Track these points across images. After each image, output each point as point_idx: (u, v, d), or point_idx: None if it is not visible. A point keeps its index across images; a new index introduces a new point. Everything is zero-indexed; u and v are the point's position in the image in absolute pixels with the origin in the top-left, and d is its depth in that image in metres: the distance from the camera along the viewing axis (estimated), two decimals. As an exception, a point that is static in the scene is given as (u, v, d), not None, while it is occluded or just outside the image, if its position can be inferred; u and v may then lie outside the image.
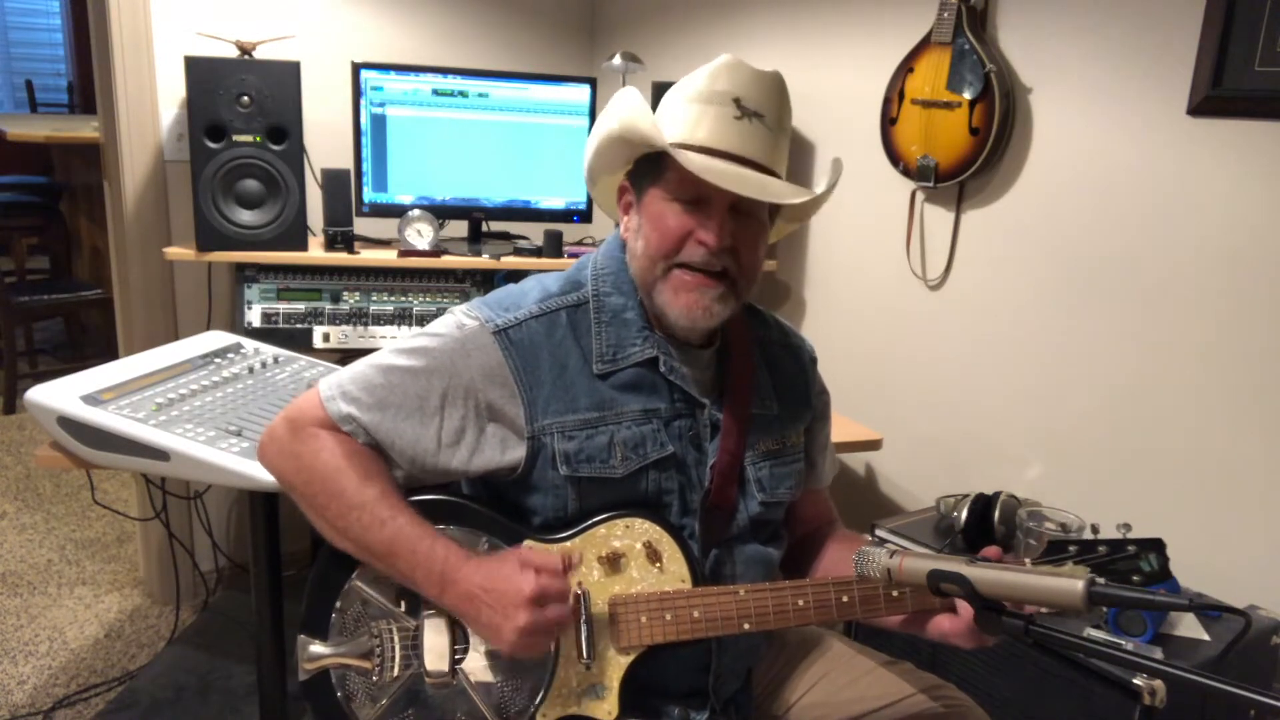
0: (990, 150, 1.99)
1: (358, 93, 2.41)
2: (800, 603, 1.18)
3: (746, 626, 1.17)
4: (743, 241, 1.17)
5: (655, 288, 1.18)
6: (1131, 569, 1.10)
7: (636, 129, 1.16)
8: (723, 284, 1.17)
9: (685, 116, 1.17)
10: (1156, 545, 1.11)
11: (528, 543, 1.19)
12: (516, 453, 1.18)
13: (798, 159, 2.52)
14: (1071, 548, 1.12)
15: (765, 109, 1.17)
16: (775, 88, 1.19)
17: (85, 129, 4.23)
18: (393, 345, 1.21)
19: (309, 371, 1.93)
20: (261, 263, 2.28)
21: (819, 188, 1.24)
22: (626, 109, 1.17)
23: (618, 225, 1.29)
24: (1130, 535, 1.13)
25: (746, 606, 1.17)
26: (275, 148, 2.23)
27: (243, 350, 1.98)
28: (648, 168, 1.20)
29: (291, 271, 2.31)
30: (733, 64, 1.18)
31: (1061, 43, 1.92)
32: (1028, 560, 1.12)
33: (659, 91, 2.28)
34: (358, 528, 1.13)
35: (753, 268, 1.20)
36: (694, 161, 1.11)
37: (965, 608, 1.10)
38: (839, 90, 2.39)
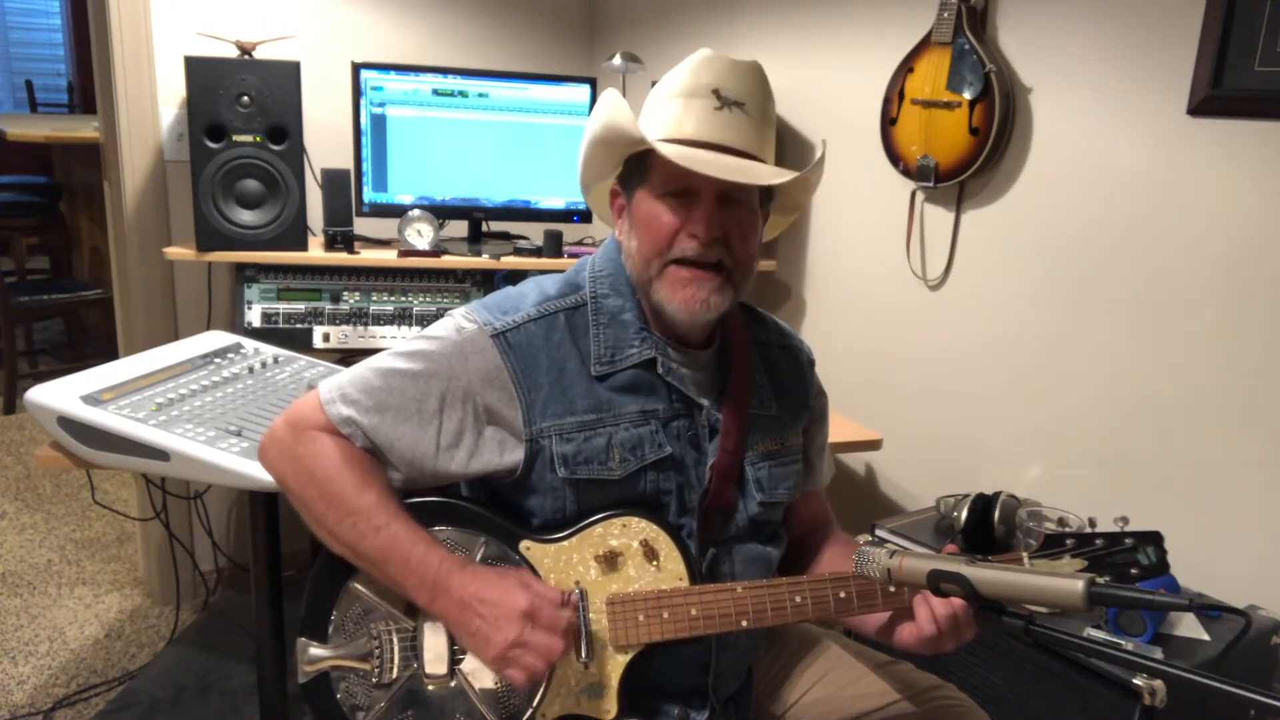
0: (990, 150, 1.99)
1: (358, 93, 2.41)
2: (798, 599, 1.18)
3: (744, 624, 1.17)
4: (734, 231, 1.16)
5: (652, 285, 1.18)
6: (1130, 562, 1.10)
7: (616, 126, 1.17)
8: (719, 275, 1.17)
9: (669, 112, 1.18)
10: (1154, 538, 1.11)
11: (525, 543, 1.19)
12: (515, 455, 1.18)
13: (798, 157, 2.52)
14: (1068, 541, 1.12)
15: (745, 97, 1.17)
16: (754, 76, 1.19)
17: (85, 129, 4.23)
18: (392, 349, 1.21)
19: (309, 371, 1.93)
20: (261, 263, 2.28)
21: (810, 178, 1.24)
22: (605, 110, 1.18)
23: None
24: (1128, 528, 1.13)
25: (744, 604, 1.17)
26: (275, 148, 2.23)
27: (243, 350, 1.98)
28: (635, 168, 1.20)
29: (291, 271, 2.31)
30: (710, 57, 1.19)
31: (1061, 43, 1.92)
32: (1025, 554, 1.12)
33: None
34: (353, 533, 1.13)
35: (747, 257, 1.19)
36: (674, 150, 1.12)
37: (925, 618, 1.11)
38: (839, 90, 2.39)
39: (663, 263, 1.16)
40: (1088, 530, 1.13)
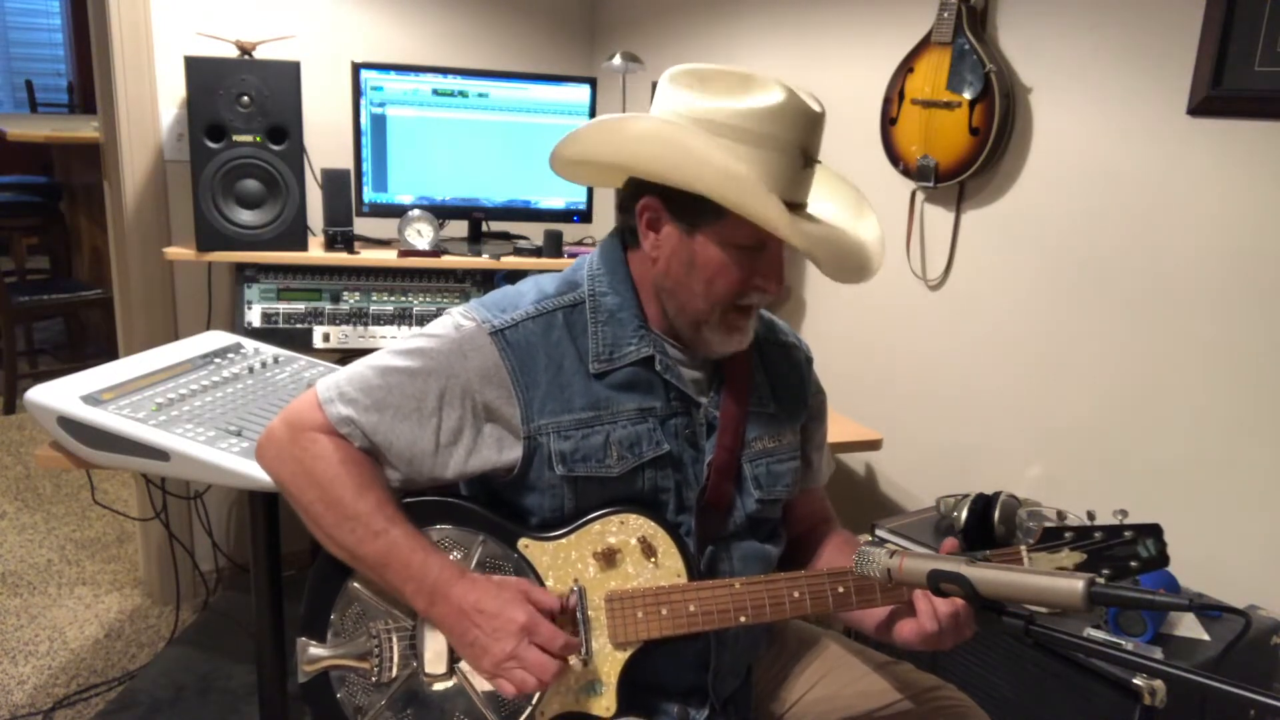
0: (990, 150, 1.98)
1: (358, 93, 2.41)
2: (796, 594, 1.18)
3: (743, 619, 1.17)
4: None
5: (706, 324, 1.19)
6: (1129, 554, 1.09)
7: (749, 209, 1.07)
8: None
9: (748, 159, 1.09)
10: (1154, 530, 1.11)
11: (524, 541, 1.19)
12: (513, 453, 1.18)
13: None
14: (1067, 534, 1.11)
15: (819, 153, 1.17)
16: (822, 128, 1.16)
17: (85, 129, 4.23)
18: (390, 347, 1.21)
19: (309, 371, 1.93)
20: (261, 263, 2.28)
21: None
22: (741, 183, 1.07)
23: (619, 232, 1.28)
24: (1126, 521, 1.13)
25: (742, 599, 1.17)
26: (275, 148, 2.23)
27: (243, 350, 1.98)
28: (697, 203, 1.12)
29: (291, 271, 2.31)
30: (800, 109, 1.11)
31: (1061, 43, 1.91)
32: (1023, 548, 1.12)
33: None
34: (352, 538, 1.13)
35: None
36: (827, 254, 1.14)
37: (925, 613, 1.11)
38: (839, 90, 2.39)
39: (724, 308, 1.17)
40: (1087, 523, 1.12)
